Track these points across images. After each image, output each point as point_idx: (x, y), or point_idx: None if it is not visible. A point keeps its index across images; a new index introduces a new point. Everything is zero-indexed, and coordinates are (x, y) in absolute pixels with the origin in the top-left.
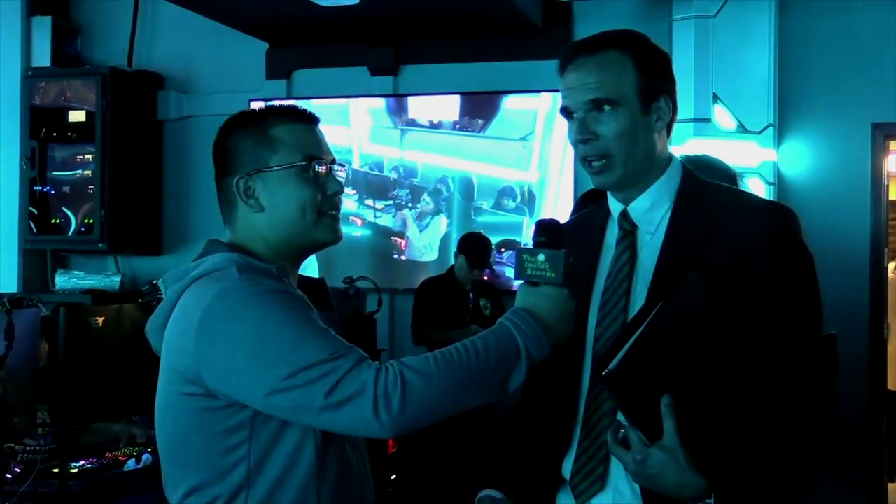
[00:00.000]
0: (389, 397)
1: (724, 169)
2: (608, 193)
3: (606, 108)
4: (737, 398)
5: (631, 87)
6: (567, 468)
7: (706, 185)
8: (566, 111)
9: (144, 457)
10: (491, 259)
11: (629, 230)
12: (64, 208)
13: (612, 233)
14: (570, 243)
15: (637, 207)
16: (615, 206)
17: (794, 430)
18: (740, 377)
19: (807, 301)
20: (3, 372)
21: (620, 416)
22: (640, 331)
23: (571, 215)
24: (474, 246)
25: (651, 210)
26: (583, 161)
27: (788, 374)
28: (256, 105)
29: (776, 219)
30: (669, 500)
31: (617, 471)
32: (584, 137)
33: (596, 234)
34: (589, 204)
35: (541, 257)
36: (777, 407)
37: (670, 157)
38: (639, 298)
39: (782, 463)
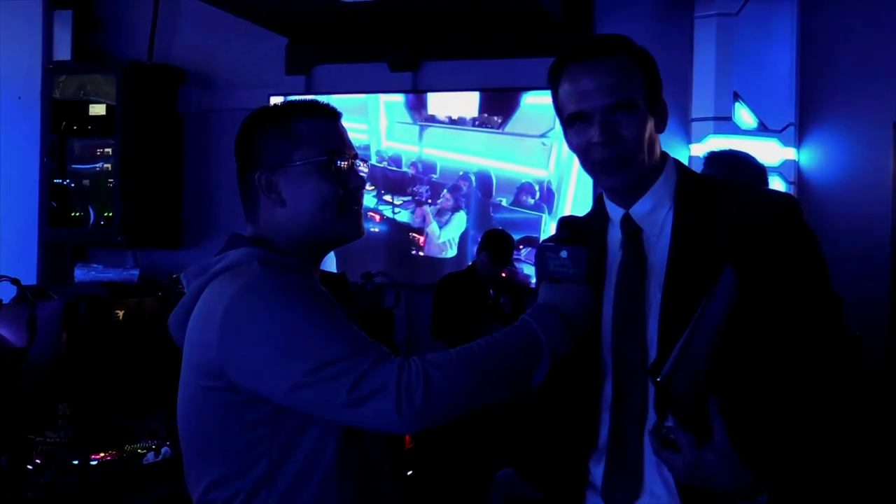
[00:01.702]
0: (412, 393)
1: (754, 164)
2: (605, 199)
3: (626, 110)
4: (764, 390)
5: (641, 91)
6: (597, 475)
7: (703, 180)
8: (578, 116)
9: (164, 450)
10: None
11: (633, 233)
12: (83, 202)
13: (615, 238)
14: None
15: (639, 210)
16: (615, 210)
17: (823, 415)
18: (764, 368)
19: (818, 283)
20: (25, 363)
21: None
22: (687, 332)
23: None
24: (498, 242)
25: (653, 212)
26: (597, 164)
27: (809, 357)
28: (276, 100)
29: (778, 206)
30: (708, 499)
31: (651, 475)
32: (608, 139)
33: (598, 241)
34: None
35: (563, 254)
36: (804, 395)
37: (665, 157)
38: (654, 301)
39: (827, 452)
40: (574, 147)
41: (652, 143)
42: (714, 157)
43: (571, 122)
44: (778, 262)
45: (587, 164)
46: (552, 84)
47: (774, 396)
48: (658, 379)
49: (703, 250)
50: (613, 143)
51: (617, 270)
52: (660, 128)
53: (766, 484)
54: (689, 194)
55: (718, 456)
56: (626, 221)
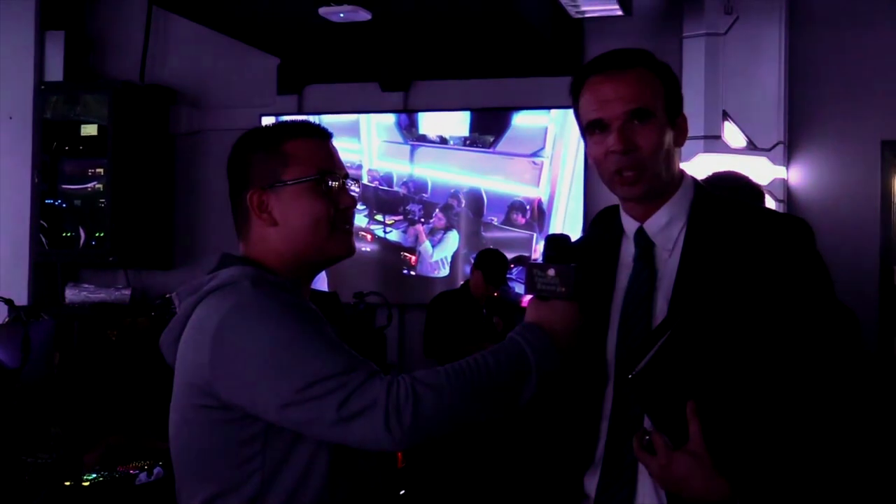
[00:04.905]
0: (401, 411)
1: (751, 186)
2: (621, 212)
3: (644, 120)
4: (760, 405)
5: (661, 103)
6: (591, 487)
7: (719, 200)
8: (597, 124)
9: (156, 470)
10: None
11: (646, 248)
12: (75, 222)
13: (628, 251)
14: (583, 263)
15: (653, 225)
16: (630, 224)
17: (820, 438)
18: (763, 385)
19: (826, 309)
20: (18, 384)
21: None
22: (666, 335)
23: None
24: (492, 262)
25: (667, 227)
26: (614, 173)
27: (814, 382)
28: (267, 120)
29: (791, 231)
30: None
31: (643, 490)
32: (625, 148)
33: (610, 253)
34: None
35: (551, 272)
36: (797, 412)
37: (682, 174)
38: (660, 316)
39: (812, 470)
40: (592, 157)
41: (669, 156)
42: (714, 179)
43: (591, 130)
44: (790, 286)
45: (604, 174)
46: (574, 95)
47: (768, 410)
48: (628, 375)
49: (713, 269)
50: (630, 151)
51: (626, 284)
52: (679, 142)
53: (741, 492)
54: (705, 213)
55: (691, 459)
56: (640, 235)
